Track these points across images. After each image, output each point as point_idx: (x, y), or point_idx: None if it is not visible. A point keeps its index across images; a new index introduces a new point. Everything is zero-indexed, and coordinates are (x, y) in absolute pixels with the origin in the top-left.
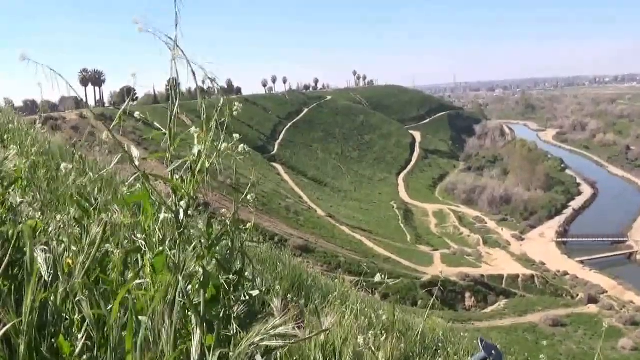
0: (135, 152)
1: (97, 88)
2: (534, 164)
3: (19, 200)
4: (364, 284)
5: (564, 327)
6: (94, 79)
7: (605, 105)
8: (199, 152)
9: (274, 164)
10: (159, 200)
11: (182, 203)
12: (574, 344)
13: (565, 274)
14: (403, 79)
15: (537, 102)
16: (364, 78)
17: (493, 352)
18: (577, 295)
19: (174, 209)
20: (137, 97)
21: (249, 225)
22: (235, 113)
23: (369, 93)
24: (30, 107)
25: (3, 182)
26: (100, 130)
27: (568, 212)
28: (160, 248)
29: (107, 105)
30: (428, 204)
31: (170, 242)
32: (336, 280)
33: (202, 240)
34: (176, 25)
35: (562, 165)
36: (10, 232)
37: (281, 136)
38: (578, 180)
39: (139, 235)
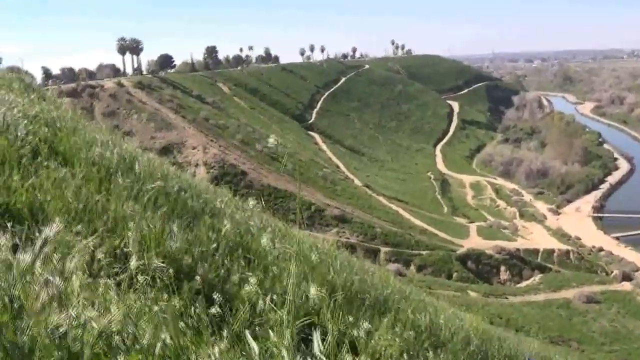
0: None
1: (134, 56)
2: (572, 137)
3: None
4: (400, 255)
5: (598, 304)
6: (131, 47)
7: None
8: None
9: (312, 133)
10: None
11: None
12: (607, 322)
13: (601, 249)
14: (441, 48)
15: (575, 75)
16: (402, 47)
17: None
18: (612, 272)
19: None
20: (174, 65)
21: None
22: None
23: (406, 62)
24: (68, 74)
25: None
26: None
27: (605, 187)
28: None
29: (144, 73)
30: (465, 175)
31: None
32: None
33: None
34: None
35: (600, 139)
36: None
37: (318, 105)
38: (615, 155)
39: None
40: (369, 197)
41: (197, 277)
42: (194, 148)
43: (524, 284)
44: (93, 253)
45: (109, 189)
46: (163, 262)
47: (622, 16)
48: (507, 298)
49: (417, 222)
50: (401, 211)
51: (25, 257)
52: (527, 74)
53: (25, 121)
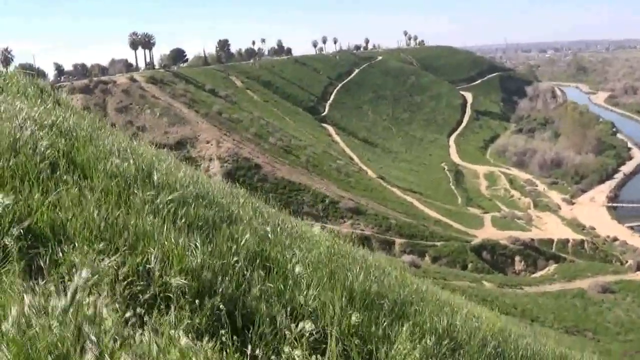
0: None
1: (146, 51)
2: (585, 128)
3: None
4: (415, 246)
5: (613, 294)
6: (143, 42)
7: None
8: None
9: (325, 125)
10: None
11: None
12: (622, 312)
13: (615, 239)
14: (453, 38)
15: (588, 65)
16: (415, 38)
17: None
18: (626, 261)
19: None
20: (187, 59)
21: None
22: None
23: (419, 54)
24: (80, 70)
25: None
26: (151, 93)
27: (619, 176)
28: None
29: (157, 67)
30: (479, 165)
31: None
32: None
33: None
34: None
35: (613, 129)
36: None
37: (332, 97)
38: (629, 145)
39: None
40: (383, 189)
41: (218, 296)
42: (207, 142)
43: (538, 274)
44: (117, 272)
45: (128, 202)
46: (185, 279)
47: (636, 6)
48: (522, 288)
49: (432, 213)
50: (415, 202)
51: (59, 304)
52: (540, 64)
53: (42, 132)
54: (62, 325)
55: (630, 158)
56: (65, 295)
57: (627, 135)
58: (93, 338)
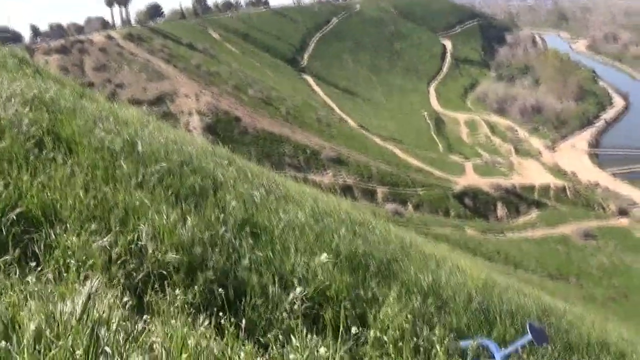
0: None
1: (122, 8)
2: (566, 75)
3: None
4: (397, 195)
5: (595, 239)
6: None
7: (638, 17)
8: None
9: (305, 76)
10: None
11: None
12: (605, 257)
13: (597, 185)
14: None
15: (569, 13)
16: None
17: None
18: (609, 207)
19: None
20: (163, 14)
21: None
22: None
23: (398, 2)
24: (57, 30)
25: None
26: (128, 50)
27: (600, 124)
28: None
29: (133, 24)
30: (459, 113)
31: None
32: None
33: None
34: None
35: (594, 77)
36: None
37: (311, 48)
38: (610, 92)
39: None
40: (364, 138)
41: (210, 270)
42: (186, 96)
43: (521, 220)
44: (110, 253)
45: (115, 177)
46: (177, 254)
47: None
48: (504, 235)
49: (413, 161)
50: (397, 151)
51: (67, 308)
52: (520, 11)
53: (26, 109)
54: (77, 334)
55: (612, 105)
56: (73, 300)
57: (608, 82)
58: (108, 350)
